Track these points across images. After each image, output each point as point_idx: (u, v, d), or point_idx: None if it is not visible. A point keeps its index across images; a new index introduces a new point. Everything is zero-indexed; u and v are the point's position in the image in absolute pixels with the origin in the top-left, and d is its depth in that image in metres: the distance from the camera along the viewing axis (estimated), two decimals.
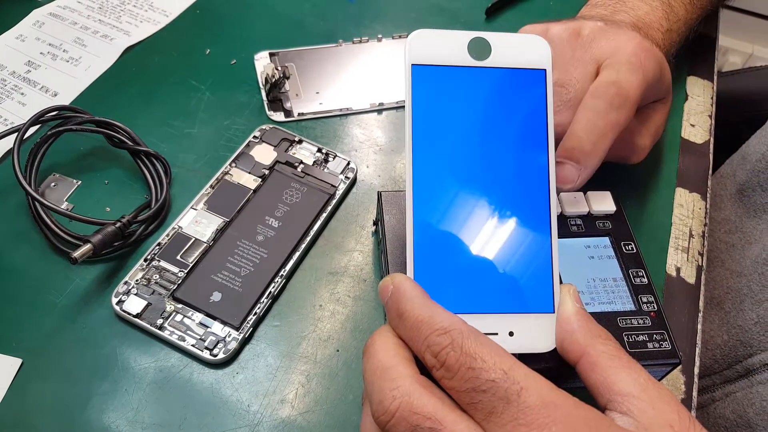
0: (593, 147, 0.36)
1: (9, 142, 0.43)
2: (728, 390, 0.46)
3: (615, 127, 0.37)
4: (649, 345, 0.34)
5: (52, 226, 0.40)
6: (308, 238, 0.42)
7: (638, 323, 0.35)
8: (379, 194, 0.38)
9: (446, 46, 0.30)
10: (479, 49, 0.30)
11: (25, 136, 0.42)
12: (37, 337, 0.37)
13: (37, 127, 0.45)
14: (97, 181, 0.44)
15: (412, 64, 0.29)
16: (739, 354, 0.46)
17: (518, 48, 0.30)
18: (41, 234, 0.41)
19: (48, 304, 0.38)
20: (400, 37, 0.56)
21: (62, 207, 0.42)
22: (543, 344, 0.29)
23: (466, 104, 0.30)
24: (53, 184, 0.44)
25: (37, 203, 0.40)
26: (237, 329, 0.37)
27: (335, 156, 0.46)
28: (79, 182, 0.44)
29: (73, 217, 0.40)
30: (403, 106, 0.51)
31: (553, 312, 0.29)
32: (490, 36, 0.30)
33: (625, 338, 0.34)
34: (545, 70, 0.30)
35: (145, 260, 0.39)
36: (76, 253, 0.37)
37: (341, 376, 0.37)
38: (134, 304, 0.38)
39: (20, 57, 0.52)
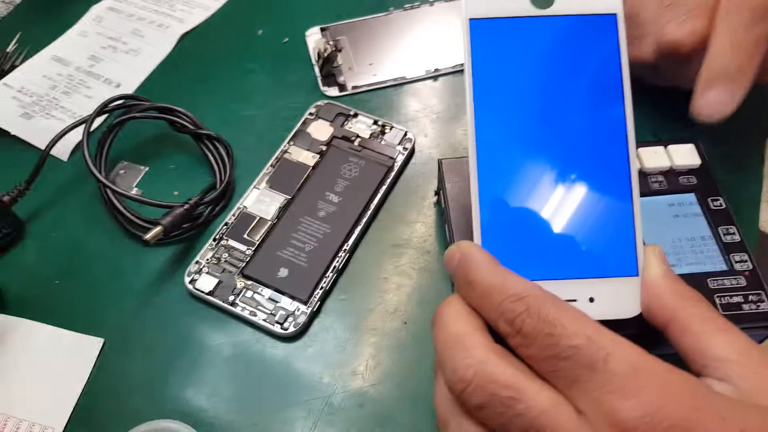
0: (744, 65, 0.33)
1: (79, 134, 0.45)
2: None
3: (764, 40, 0.33)
4: (745, 307, 0.32)
5: (124, 211, 0.41)
6: (369, 212, 0.41)
7: (731, 284, 0.33)
8: (440, 162, 0.38)
9: None
10: None
11: (92, 127, 0.43)
12: (116, 317, 0.38)
13: (104, 117, 0.47)
14: (163, 166, 0.46)
15: (470, 19, 0.28)
16: None
17: None
18: (114, 220, 0.42)
19: (125, 285, 0.40)
20: (452, 0, 0.55)
21: (132, 193, 0.43)
22: (627, 309, 0.27)
23: (531, 58, 0.28)
24: (122, 171, 0.45)
25: (108, 190, 0.42)
26: (305, 303, 0.38)
27: (392, 127, 0.46)
28: (147, 168, 0.46)
29: (143, 201, 0.41)
30: (459, 71, 0.50)
31: (638, 275, 0.27)
32: None
33: (718, 300, 0.32)
34: (616, 14, 0.28)
35: (214, 240, 0.40)
36: (148, 236, 0.38)
37: (410, 349, 0.37)
38: (206, 283, 0.39)
39: (84, 52, 0.53)
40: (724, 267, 0.33)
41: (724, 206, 0.35)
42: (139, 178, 0.45)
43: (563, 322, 0.22)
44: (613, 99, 0.28)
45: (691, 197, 0.36)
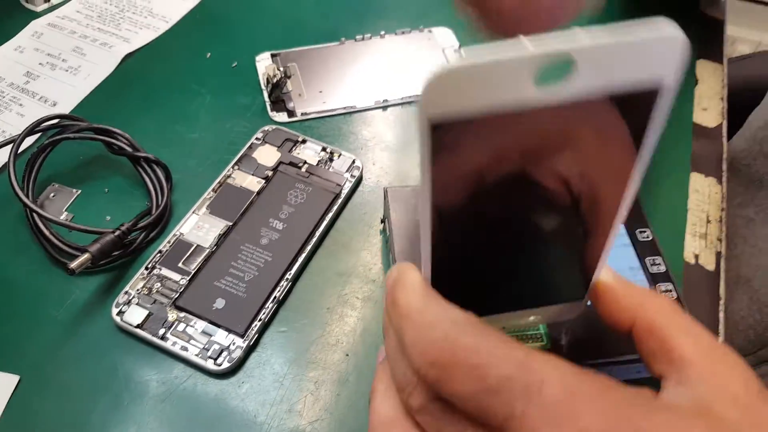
0: None
1: (5, 153, 0.42)
2: (764, 370, 0.44)
3: None
4: None
5: (51, 237, 0.39)
6: (314, 239, 0.40)
7: None
8: (385, 190, 0.37)
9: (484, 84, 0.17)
10: (553, 71, 0.17)
11: (22, 147, 0.41)
12: (35, 351, 0.35)
13: (36, 137, 0.44)
14: (96, 189, 0.43)
15: (432, 125, 0.17)
16: None
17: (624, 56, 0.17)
18: (40, 246, 0.40)
19: (47, 317, 0.37)
20: (403, 33, 0.54)
21: (61, 217, 0.41)
22: (571, 315, 0.26)
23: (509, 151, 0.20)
24: (52, 194, 0.43)
25: (35, 214, 0.39)
26: (242, 336, 0.36)
27: (340, 154, 0.44)
28: (79, 191, 0.43)
29: (71, 227, 0.38)
30: (408, 102, 0.50)
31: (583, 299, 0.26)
32: (578, 39, 0.17)
33: None
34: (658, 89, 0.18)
35: (146, 269, 0.38)
36: (74, 264, 0.36)
37: (351, 382, 0.35)
38: (135, 315, 0.36)
39: (19, 68, 0.51)
40: None
41: (650, 237, 0.36)
42: (70, 202, 0.42)
43: (489, 349, 0.19)
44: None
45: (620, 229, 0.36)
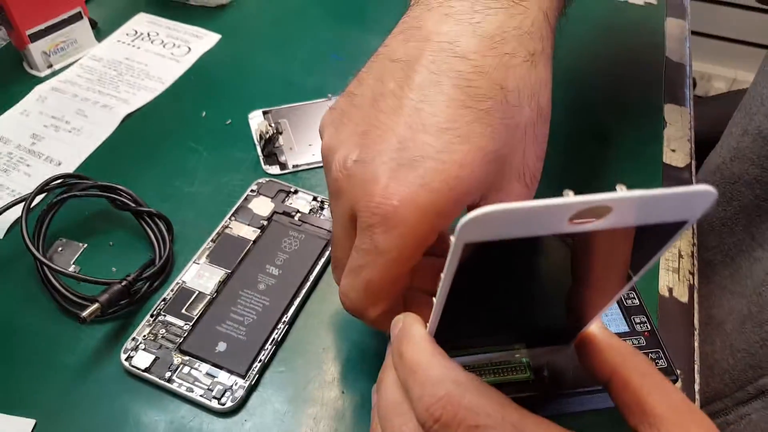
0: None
1: (17, 211, 0.45)
2: (742, 412, 0.46)
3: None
4: None
5: (60, 288, 0.41)
6: (308, 284, 0.43)
7: (633, 344, 0.36)
8: None
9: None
10: (589, 213, 0.19)
11: (31, 205, 0.44)
12: (49, 397, 0.38)
13: (43, 195, 0.47)
14: (102, 243, 0.46)
15: (465, 245, 0.20)
16: (749, 376, 0.46)
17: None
18: (50, 297, 0.42)
19: (59, 364, 0.39)
20: None
21: (69, 270, 0.43)
22: (556, 355, 0.29)
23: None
24: (60, 248, 0.45)
25: (45, 267, 0.42)
26: (243, 377, 0.38)
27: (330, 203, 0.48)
28: (85, 245, 0.46)
29: (80, 278, 0.41)
30: None
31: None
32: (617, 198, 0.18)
33: None
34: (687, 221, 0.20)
35: (151, 316, 0.41)
36: (85, 313, 0.38)
37: (348, 417, 0.37)
38: (142, 359, 0.39)
39: (25, 131, 0.54)
40: (626, 328, 0.36)
41: None
42: (77, 255, 0.45)
43: (488, 411, 0.22)
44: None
45: None
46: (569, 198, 0.18)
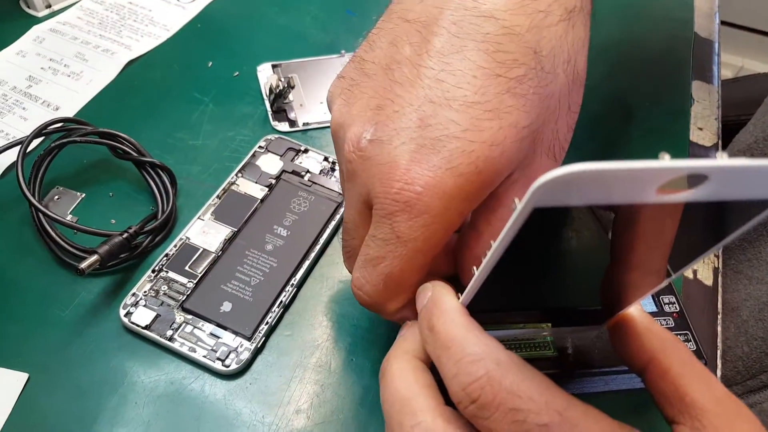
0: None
1: (12, 155, 0.42)
2: (753, 400, 0.45)
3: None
4: None
5: (57, 238, 0.39)
6: (318, 247, 0.41)
7: (661, 324, 0.34)
8: None
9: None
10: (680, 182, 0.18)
11: (28, 149, 0.41)
12: (43, 351, 0.36)
13: (40, 140, 0.45)
14: (101, 193, 0.44)
15: (534, 208, 0.17)
16: (764, 365, 0.45)
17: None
18: (46, 247, 0.40)
19: (54, 317, 0.37)
20: None
21: (66, 219, 0.41)
22: (585, 335, 0.27)
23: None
24: (57, 197, 0.43)
25: (41, 215, 0.40)
26: (249, 339, 0.36)
27: None
28: (83, 195, 0.43)
29: (78, 228, 0.39)
30: None
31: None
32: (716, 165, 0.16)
33: None
34: None
35: (153, 271, 0.39)
36: (83, 264, 0.36)
37: (357, 385, 0.36)
38: (143, 316, 0.37)
39: (21, 72, 0.51)
40: (654, 308, 0.35)
41: None
42: (74, 205, 0.43)
43: (530, 394, 0.20)
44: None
45: None
46: (666, 162, 0.15)
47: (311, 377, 0.36)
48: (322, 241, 0.41)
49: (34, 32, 0.55)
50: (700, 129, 0.52)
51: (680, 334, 0.34)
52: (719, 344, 0.39)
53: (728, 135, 0.58)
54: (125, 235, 0.39)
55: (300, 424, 0.34)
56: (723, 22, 0.64)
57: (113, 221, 0.42)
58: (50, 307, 0.38)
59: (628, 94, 0.55)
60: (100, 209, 0.43)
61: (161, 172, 0.43)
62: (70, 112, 0.49)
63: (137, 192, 0.44)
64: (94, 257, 0.37)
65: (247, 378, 0.36)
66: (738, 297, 0.48)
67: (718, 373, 0.38)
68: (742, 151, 0.52)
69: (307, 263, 0.40)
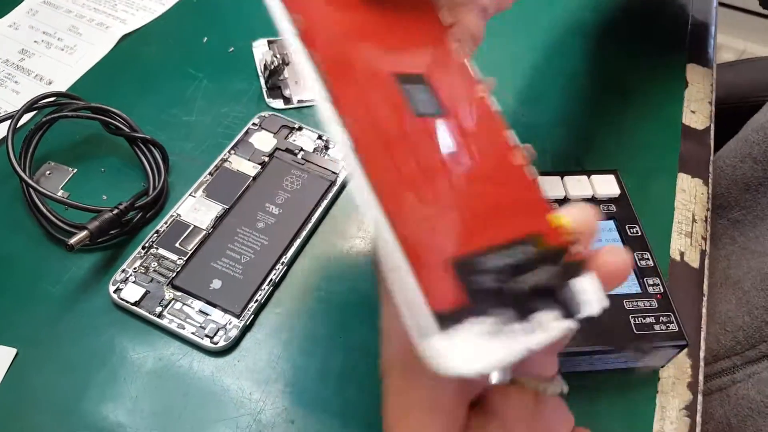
0: None
1: (2, 129, 0.42)
2: (751, 371, 0.45)
3: None
4: (656, 327, 0.33)
5: (48, 213, 0.39)
6: (309, 225, 0.41)
7: (644, 305, 0.34)
8: None
9: None
10: None
11: (19, 124, 0.41)
12: (32, 326, 0.36)
13: (32, 114, 0.44)
14: (93, 169, 0.43)
15: None
16: (764, 334, 0.44)
17: None
18: (36, 222, 0.40)
19: (43, 292, 0.37)
20: None
21: (58, 195, 0.41)
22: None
23: None
24: (48, 172, 0.43)
25: (32, 190, 0.39)
26: (238, 317, 0.36)
27: (336, 143, 0.45)
28: (75, 170, 0.43)
29: (69, 204, 0.39)
30: None
31: None
32: None
33: (632, 320, 0.34)
34: None
35: (143, 248, 0.39)
36: (73, 240, 0.36)
37: (345, 364, 0.36)
38: (132, 292, 0.37)
39: (14, 45, 0.51)
40: (638, 290, 0.35)
41: (640, 233, 0.38)
42: (66, 180, 0.43)
43: None
44: None
45: (611, 224, 0.38)
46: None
47: (299, 356, 0.36)
48: (314, 219, 0.41)
49: (28, 4, 0.54)
50: (693, 112, 0.52)
51: (663, 315, 0.34)
52: (703, 326, 0.39)
53: (748, 115, 0.57)
54: (116, 211, 0.39)
55: (287, 401, 0.34)
56: (726, 5, 0.63)
57: (105, 197, 0.42)
58: (40, 282, 0.38)
59: (624, 74, 0.54)
60: (91, 185, 0.43)
61: (153, 148, 0.43)
62: (63, 86, 0.48)
63: (129, 168, 0.44)
64: (84, 233, 0.37)
65: (236, 355, 0.36)
66: (740, 271, 0.48)
67: (701, 353, 0.38)
68: (755, 130, 0.52)
69: (298, 241, 0.40)
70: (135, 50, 0.52)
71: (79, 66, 0.50)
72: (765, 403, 0.42)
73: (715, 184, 0.52)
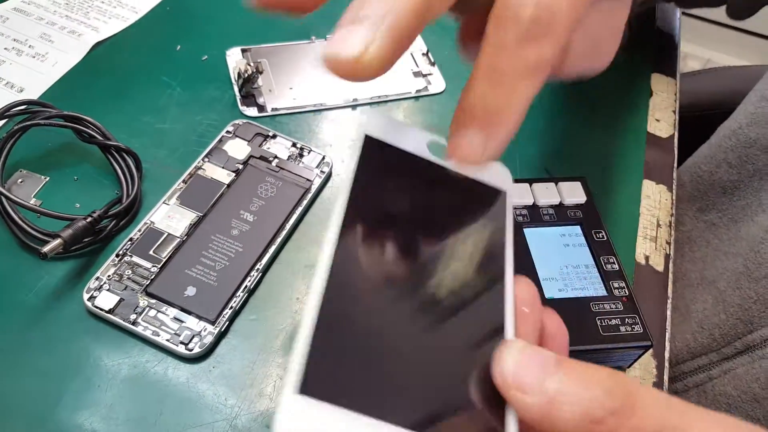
0: (501, 105, 0.23)
1: None
2: (727, 367, 0.46)
3: (535, 68, 0.23)
4: (622, 329, 0.35)
5: (20, 222, 0.39)
6: (284, 232, 0.41)
7: (610, 308, 0.36)
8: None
9: (405, 136, 0.25)
10: (439, 150, 0.24)
11: None
12: (5, 336, 0.36)
13: (3, 122, 0.44)
14: (66, 177, 0.43)
15: (366, 134, 0.23)
16: (739, 331, 0.46)
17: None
18: (8, 230, 0.40)
19: (17, 301, 0.37)
20: None
21: (30, 203, 0.41)
22: None
23: (416, 194, 0.24)
24: (20, 180, 0.43)
25: (3, 198, 0.39)
26: (212, 323, 0.37)
27: (310, 150, 0.46)
28: (47, 178, 0.43)
29: (41, 212, 0.39)
30: (378, 102, 0.52)
31: None
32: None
33: (599, 323, 0.35)
34: (506, 192, 0.25)
35: (117, 255, 0.39)
36: (46, 248, 0.36)
37: None
38: (106, 300, 0.37)
39: None
40: (604, 293, 0.36)
41: (605, 238, 0.39)
42: (38, 188, 0.43)
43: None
44: (493, 265, 0.24)
45: (577, 229, 0.39)
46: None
47: (275, 361, 0.36)
48: (288, 226, 0.42)
49: None
50: (658, 120, 0.54)
51: (628, 318, 0.35)
52: (668, 328, 0.41)
53: (713, 122, 0.59)
54: (89, 219, 0.39)
55: (263, 406, 0.35)
56: (690, 15, 0.65)
57: (78, 205, 0.42)
58: (13, 291, 0.37)
59: (588, 83, 0.56)
60: (64, 193, 0.43)
61: (126, 156, 0.43)
62: (34, 94, 0.48)
63: (102, 176, 0.44)
64: (57, 241, 0.37)
65: (211, 361, 0.36)
66: (716, 271, 0.49)
67: (666, 354, 0.39)
68: (726, 137, 0.54)
69: (273, 248, 0.40)
70: (108, 58, 0.52)
71: (51, 74, 0.50)
72: (742, 399, 0.43)
73: (695, 189, 0.54)
